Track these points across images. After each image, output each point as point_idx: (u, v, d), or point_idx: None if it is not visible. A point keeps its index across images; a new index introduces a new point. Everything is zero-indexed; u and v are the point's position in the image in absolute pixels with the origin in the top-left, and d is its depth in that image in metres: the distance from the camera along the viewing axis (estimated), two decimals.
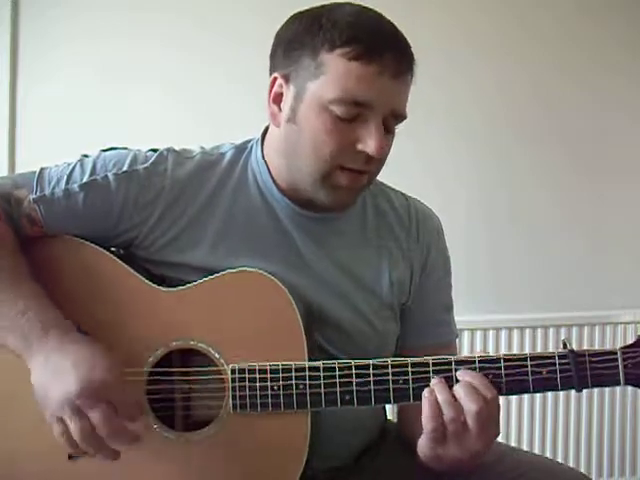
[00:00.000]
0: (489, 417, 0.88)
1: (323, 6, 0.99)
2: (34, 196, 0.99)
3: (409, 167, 1.98)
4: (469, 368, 0.93)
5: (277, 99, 1.00)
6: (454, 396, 0.89)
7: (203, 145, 1.10)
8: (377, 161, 0.98)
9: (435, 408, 0.89)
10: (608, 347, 1.78)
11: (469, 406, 0.88)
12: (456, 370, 0.92)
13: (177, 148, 1.07)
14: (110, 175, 1.00)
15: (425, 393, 0.90)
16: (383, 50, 0.93)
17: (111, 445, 0.87)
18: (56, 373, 0.87)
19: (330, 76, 0.93)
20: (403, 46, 0.97)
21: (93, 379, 0.86)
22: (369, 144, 0.94)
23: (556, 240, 2.21)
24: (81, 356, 0.88)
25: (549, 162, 2.20)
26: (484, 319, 2.11)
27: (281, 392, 0.94)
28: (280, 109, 0.99)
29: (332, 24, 0.94)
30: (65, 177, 1.00)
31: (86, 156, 1.04)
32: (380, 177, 1.08)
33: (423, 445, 0.91)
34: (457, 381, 0.91)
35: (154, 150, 1.06)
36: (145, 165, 1.02)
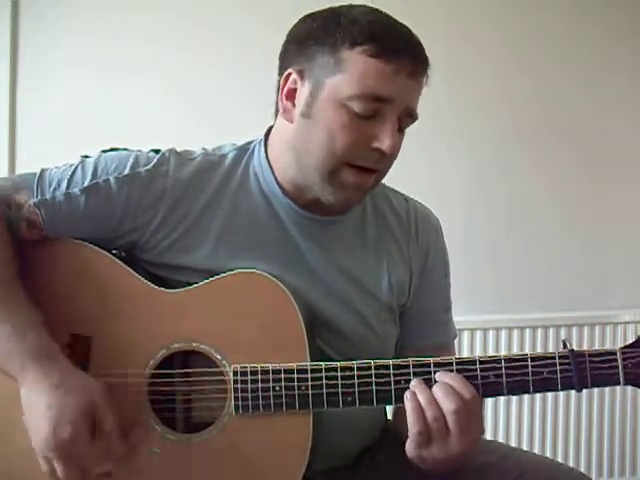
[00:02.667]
0: (469, 417, 0.89)
1: (337, 7, 1.00)
2: (35, 200, 0.99)
3: (409, 167, 1.97)
4: (470, 368, 0.93)
5: (290, 94, 1.00)
6: (434, 397, 0.90)
7: (205, 146, 1.09)
8: (387, 160, 0.99)
9: (418, 411, 0.90)
10: (608, 347, 1.79)
11: (447, 406, 0.89)
12: (458, 371, 0.93)
13: (179, 149, 1.06)
14: (112, 178, 1.00)
15: (407, 395, 0.91)
16: (402, 49, 0.95)
17: None
18: (33, 414, 0.89)
19: (350, 72, 0.94)
20: (418, 47, 0.99)
21: (58, 438, 0.86)
22: (384, 141, 0.95)
23: (556, 240, 2.21)
24: (53, 404, 0.87)
25: (549, 162, 2.20)
26: (484, 319, 2.11)
27: (283, 393, 0.94)
28: (294, 105, 1.00)
29: (351, 22, 0.95)
30: (66, 180, 1.00)
31: (87, 157, 1.04)
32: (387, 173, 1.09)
33: (408, 446, 0.92)
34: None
35: (155, 151, 1.05)
36: (147, 167, 1.02)
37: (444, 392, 0.90)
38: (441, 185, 2.11)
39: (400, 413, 1.11)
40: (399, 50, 0.94)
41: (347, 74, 0.94)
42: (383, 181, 1.14)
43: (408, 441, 0.91)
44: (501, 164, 2.19)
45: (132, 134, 1.72)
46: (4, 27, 1.96)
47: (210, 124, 1.97)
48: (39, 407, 0.88)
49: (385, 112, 0.95)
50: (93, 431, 0.89)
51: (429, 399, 0.90)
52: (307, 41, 0.98)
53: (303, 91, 0.98)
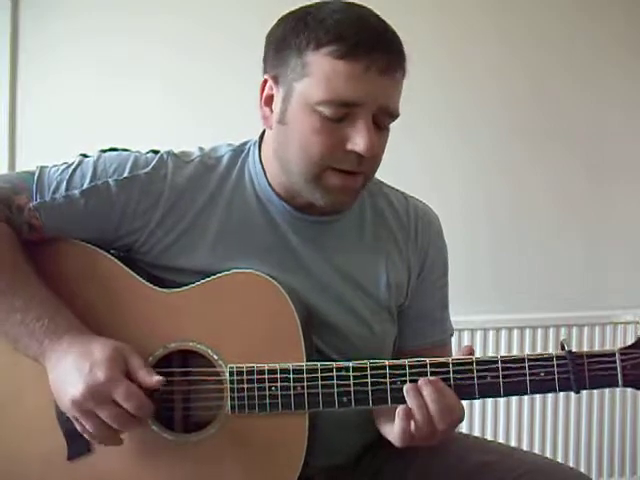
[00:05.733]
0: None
1: (311, 5, 0.98)
2: (34, 203, 0.99)
3: (409, 166, 1.98)
4: (466, 369, 0.93)
5: (268, 101, 0.99)
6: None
7: (202, 146, 1.09)
8: (370, 160, 0.97)
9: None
10: (608, 347, 1.77)
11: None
12: (454, 372, 0.93)
13: (176, 151, 1.06)
14: (111, 181, 1.00)
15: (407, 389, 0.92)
16: (369, 46, 0.91)
17: (122, 432, 0.91)
18: (64, 378, 0.90)
19: (316, 76, 0.92)
20: (391, 42, 0.95)
21: (93, 381, 0.88)
22: (358, 143, 0.93)
23: (556, 240, 2.21)
24: (82, 358, 0.89)
25: (550, 162, 2.20)
26: (484, 319, 2.11)
27: (279, 393, 0.94)
28: (271, 111, 0.99)
29: (317, 22, 0.92)
30: (65, 182, 1.00)
31: (85, 156, 1.03)
32: (380, 176, 1.08)
33: (392, 438, 0.95)
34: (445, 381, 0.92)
35: (154, 151, 1.05)
36: (146, 170, 1.01)
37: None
38: (441, 185, 2.11)
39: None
40: (368, 47, 0.90)
41: (313, 78, 0.92)
42: (383, 180, 1.14)
43: (393, 438, 0.93)
44: (501, 164, 2.18)
45: (132, 134, 1.73)
46: (4, 27, 1.96)
47: (210, 124, 1.97)
48: (70, 366, 0.89)
49: (357, 114, 0.93)
50: (125, 372, 0.90)
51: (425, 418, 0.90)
52: (280, 45, 0.96)
53: (278, 97, 0.97)
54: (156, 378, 0.91)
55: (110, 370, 0.88)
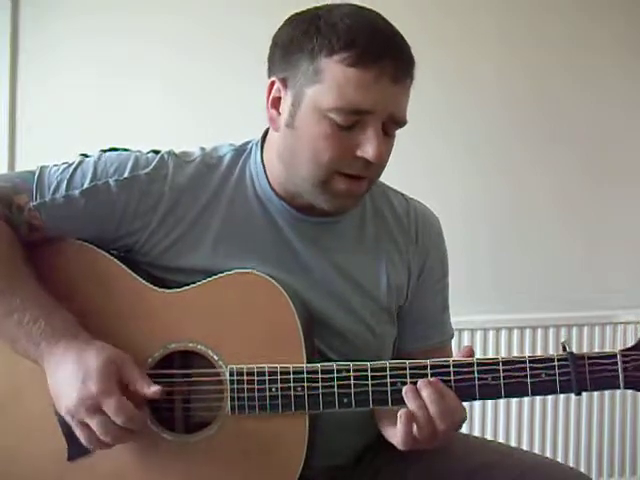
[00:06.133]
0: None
1: (320, 7, 0.97)
2: (34, 203, 0.99)
3: (409, 167, 1.98)
4: (467, 371, 0.93)
5: (275, 103, 0.99)
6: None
7: (203, 146, 1.09)
8: (377, 166, 0.97)
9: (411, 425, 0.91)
10: (608, 347, 1.77)
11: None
12: (455, 373, 0.92)
13: (177, 151, 1.06)
14: (111, 181, 1.00)
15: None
16: (381, 54, 0.91)
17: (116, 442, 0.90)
18: (59, 386, 0.90)
19: (328, 83, 0.92)
20: (402, 49, 0.95)
21: (85, 394, 0.88)
22: (368, 150, 0.93)
23: (557, 240, 2.21)
24: (77, 367, 0.89)
25: (549, 162, 2.20)
26: (484, 319, 2.11)
27: (279, 394, 0.94)
28: (279, 113, 0.99)
29: (330, 27, 0.92)
30: (65, 182, 1.00)
31: (86, 156, 1.03)
32: (380, 176, 1.08)
33: (395, 442, 0.94)
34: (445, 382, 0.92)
35: (155, 152, 1.05)
36: (146, 170, 1.01)
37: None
38: (441, 185, 2.11)
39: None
40: (380, 54, 0.91)
41: (325, 85, 0.92)
42: (384, 181, 1.14)
43: (396, 439, 0.93)
44: (501, 164, 2.18)
45: (132, 134, 1.73)
46: (4, 27, 1.95)
47: (210, 124, 1.97)
48: (65, 373, 0.89)
49: (367, 121, 0.93)
50: (119, 382, 0.90)
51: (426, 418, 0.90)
52: (290, 47, 0.96)
53: (287, 100, 0.97)
54: (154, 389, 0.90)
55: (102, 382, 0.88)
